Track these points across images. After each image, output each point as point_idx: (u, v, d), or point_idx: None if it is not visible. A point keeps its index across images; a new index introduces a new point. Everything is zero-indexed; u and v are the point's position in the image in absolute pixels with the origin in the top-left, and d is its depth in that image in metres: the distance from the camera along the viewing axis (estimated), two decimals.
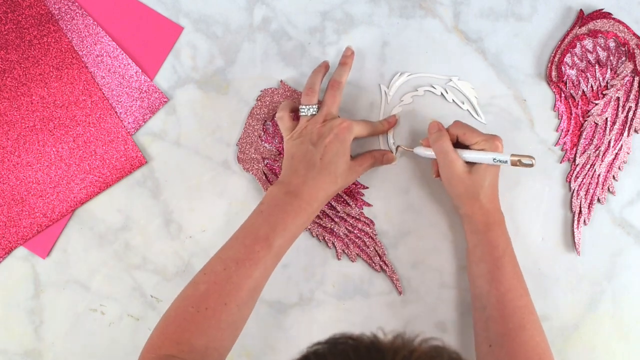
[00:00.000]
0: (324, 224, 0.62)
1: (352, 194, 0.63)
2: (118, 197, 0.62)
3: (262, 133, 0.62)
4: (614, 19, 0.64)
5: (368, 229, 0.62)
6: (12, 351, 0.61)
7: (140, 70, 0.62)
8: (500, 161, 0.53)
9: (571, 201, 0.63)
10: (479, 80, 0.64)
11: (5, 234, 0.61)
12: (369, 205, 0.63)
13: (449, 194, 0.57)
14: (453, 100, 0.63)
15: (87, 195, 0.62)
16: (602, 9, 0.64)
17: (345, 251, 0.62)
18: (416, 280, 0.62)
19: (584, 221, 0.63)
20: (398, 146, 0.62)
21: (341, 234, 0.62)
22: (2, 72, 0.61)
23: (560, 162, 0.64)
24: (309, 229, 0.62)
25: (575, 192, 0.63)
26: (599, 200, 0.64)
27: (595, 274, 0.63)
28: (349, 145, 0.56)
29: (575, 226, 0.63)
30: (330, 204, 0.62)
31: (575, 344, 0.62)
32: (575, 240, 0.63)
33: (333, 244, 0.62)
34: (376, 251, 0.62)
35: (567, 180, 0.64)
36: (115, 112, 0.62)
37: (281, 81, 0.63)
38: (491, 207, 0.55)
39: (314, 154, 0.55)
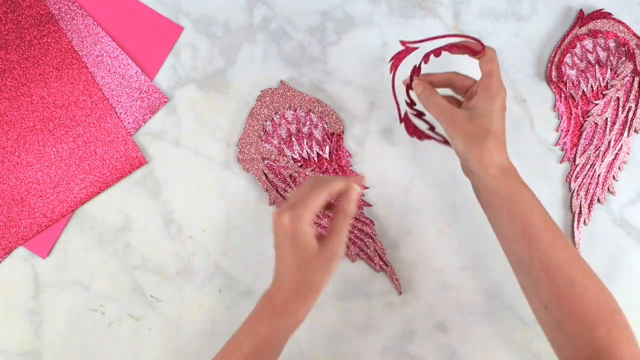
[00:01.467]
0: (324, 224, 0.62)
1: None
2: (118, 197, 0.62)
3: (262, 133, 0.62)
4: (614, 19, 0.64)
5: (368, 229, 0.62)
6: (12, 351, 0.61)
7: (140, 70, 0.62)
8: None
9: (571, 201, 0.63)
10: None
11: (5, 234, 0.61)
12: (369, 205, 0.63)
13: (456, 150, 0.52)
14: None
15: (87, 195, 0.62)
16: (602, 9, 0.64)
17: (345, 251, 0.62)
18: (416, 280, 0.62)
19: (584, 221, 0.63)
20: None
21: None
22: (2, 72, 0.61)
23: (560, 162, 0.64)
24: None
25: (575, 192, 0.63)
26: (599, 200, 0.64)
27: None
28: (303, 237, 0.46)
29: (575, 226, 0.63)
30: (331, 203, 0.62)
31: None
32: (575, 240, 0.63)
33: None
34: (376, 251, 0.62)
35: (567, 180, 0.64)
36: (115, 112, 0.62)
37: (281, 81, 0.63)
38: (503, 157, 0.50)
39: (276, 257, 0.48)
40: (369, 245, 0.62)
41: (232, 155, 0.63)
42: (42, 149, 0.61)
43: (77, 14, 0.62)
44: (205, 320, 0.61)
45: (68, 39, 0.62)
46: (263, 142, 0.62)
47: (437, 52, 0.50)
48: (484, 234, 0.63)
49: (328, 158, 0.63)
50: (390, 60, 0.52)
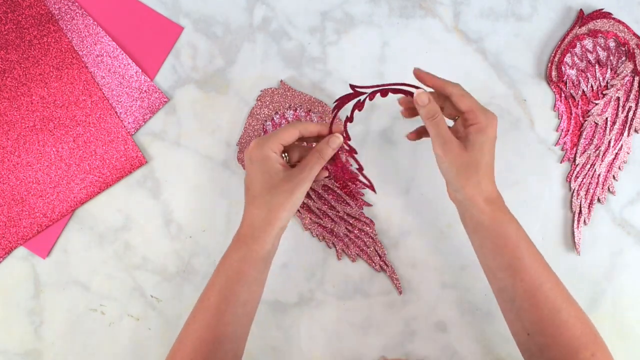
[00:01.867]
0: (324, 224, 0.62)
1: (352, 194, 0.63)
2: (118, 197, 0.62)
3: (262, 133, 0.62)
4: (614, 18, 0.64)
5: (368, 229, 0.62)
6: (12, 351, 0.61)
7: (140, 70, 0.62)
8: None
9: (571, 201, 0.63)
10: (479, 80, 0.64)
11: (5, 234, 0.61)
12: (369, 205, 0.63)
13: (445, 176, 0.52)
14: None
15: (87, 195, 0.62)
16: (602, 9, 0.64)
17: (345, 251, 0.62)
18: (416, 280, 0.62)
19: (584, 221, 0.63)
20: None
21: (341, 234, 0.62)
22: (2, 72, 0.61)
23: (560, 162, 0.64)
24: (309, 228, 0.62)
25: (575, 192, 0.63)
26: (599, 200, 0.64)
27: (595, 274, 0.63)
28: (268, 162, 0.49)
29: (575, 226, 0.63)
30: (330, 204, 0.62)
31: None
32: (575, 240, 0.63)
33: (333, 244, 0.62)
34: (376, 251, 0.62)
35: (567, 180, 0.64)
36: (115, 112, 0.62)
37: (281, 81, 0.63)
38: (492, 188, 0.50)
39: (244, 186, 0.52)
40: (369, 245, 0.62)
41: (232, 155, 0.63)
42: (42, 149, 0.61)
43: (77, 14, 0.62)
44: None
45: (68, 39, 0.62)
46: None
47: (383, 93, 0.51)
48: None
49: None
50: (335, 102, 0.51)
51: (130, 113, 0.62)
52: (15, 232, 0.61)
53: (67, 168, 0.62)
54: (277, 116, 0.62)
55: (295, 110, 0.63)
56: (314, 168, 0.50)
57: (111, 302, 0.61)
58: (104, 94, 0.62)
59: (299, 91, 0.63)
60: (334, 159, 0.54)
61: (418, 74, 0.51)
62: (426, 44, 0.64)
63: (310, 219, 0.62)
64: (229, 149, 0.63)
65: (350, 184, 0.63)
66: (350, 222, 0.62)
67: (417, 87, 0.50)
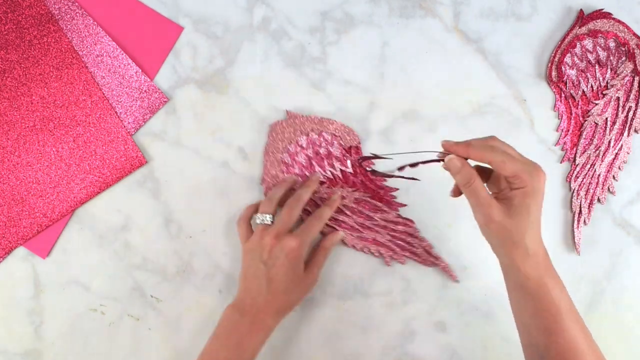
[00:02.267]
0: (365, 237, 0.61)
1: (384, 199, 0.62)
2: (118, 197, 0.62)
3: (282, 165, 0.62)
4: (614, 19, 0.64)
5: (409, 228, 0.62)
6: (12, 351, 0.61)
7: (140, 70, 0.62)
8: None
9: (571, 201, 0.63)
10: (479, 80, 0.64)
11: (5, 234, 0.61)
12: (403, 205, 0.62)
13: (487, 241, 0.49)
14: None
15: (87, 195, 0.62)
16: (602, 9, 0.64)
17: (393, 257, 0.61)
18: (416, 280, 0.62)
19: (584, 221, 0.63)
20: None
21: (385, 240, 0.61)
22: (2, 72, 0.61)
23: (560, 162, 0.64)
24: (353, 244, 0.61)
25: (575, 192, 0.63)
26: (599, 200, 0.64)
27: (595, 274, 0.63)
28: (301, 262, 0.55)
29: (575, 226, 0.63)
30: (366, 214, 0.61)
31: None
32: (575, 240, 0.63)
33: (379, 252, 0.61)
34: (423, 248, 0.61)
35: (567, 180, 0.64)
36: (115, 112, 0.62)
37: (287, 111, 0.62)
38: (539, 249, 0.47)
39: (264, 274, 0.54)
40: (413, 244, 0.61)
41: (232, 155, 0.63)
42: (42, 149, 0.61)
43: (77, 14, 0.62)
44: (205, 320, 0.61)
45: (68, 39, 0.62)
46: (285, 175, 0.62)
47: (412, 165, 0.50)
48: None
49: (352, 172, 0.62)
50: (359, 159, 0.61)
51: (130, 113, 0.62)
52: (15, 232, 0.61)
53: (67, 168, 0.62)
54: (292, 146, 0.62)
55: (308, 135, 0.62)
56: (322, 265, 0.59)
57: (111, 302, 0.61)
58: (104, 94, 0.62)
59: (306, 116, 0.62)
60: (357, 167, 0.59)
61: (447, 146, 0.48)
62: (426, 44, 0.64)
63: (352, 235, 0.61)
64: (229, 149, 0.63)
65: (379, 190, 0.62)
66: (391, 227, 0.62)
67: (445, 153, 0.48)
